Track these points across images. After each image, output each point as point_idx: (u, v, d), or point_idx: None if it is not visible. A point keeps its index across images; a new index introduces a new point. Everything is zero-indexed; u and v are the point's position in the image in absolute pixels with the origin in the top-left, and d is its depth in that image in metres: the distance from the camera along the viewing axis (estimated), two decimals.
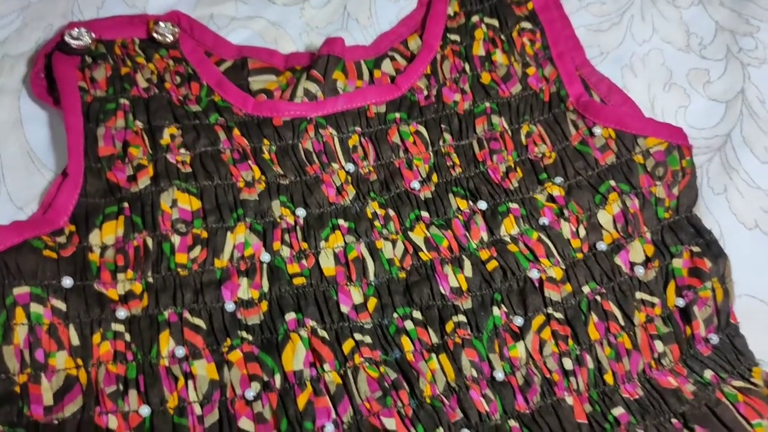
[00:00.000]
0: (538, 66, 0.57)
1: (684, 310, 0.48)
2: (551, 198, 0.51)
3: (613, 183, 0.52)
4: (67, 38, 0.50)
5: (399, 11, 0.60)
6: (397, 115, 0.54)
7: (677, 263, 0.49)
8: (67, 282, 0.43)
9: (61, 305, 0.43)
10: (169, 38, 0.53)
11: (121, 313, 0.43)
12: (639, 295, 0.48)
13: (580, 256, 0.50)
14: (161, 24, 0.53)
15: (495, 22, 0.58)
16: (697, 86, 0.59)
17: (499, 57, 0.57)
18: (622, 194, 0.51)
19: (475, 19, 0.58)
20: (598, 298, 0.48)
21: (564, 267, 0.49)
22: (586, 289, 0.48)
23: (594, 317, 0.47)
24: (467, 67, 0.56)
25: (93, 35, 0.51)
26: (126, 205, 0.47)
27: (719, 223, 0.52)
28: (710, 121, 0.57)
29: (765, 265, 0.51)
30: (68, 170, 0.46)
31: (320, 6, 0.60)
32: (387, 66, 0.57)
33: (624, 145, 0.53)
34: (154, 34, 0.53)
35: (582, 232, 0.50)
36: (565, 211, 0.51)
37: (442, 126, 0.54)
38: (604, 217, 0.51)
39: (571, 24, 0.59)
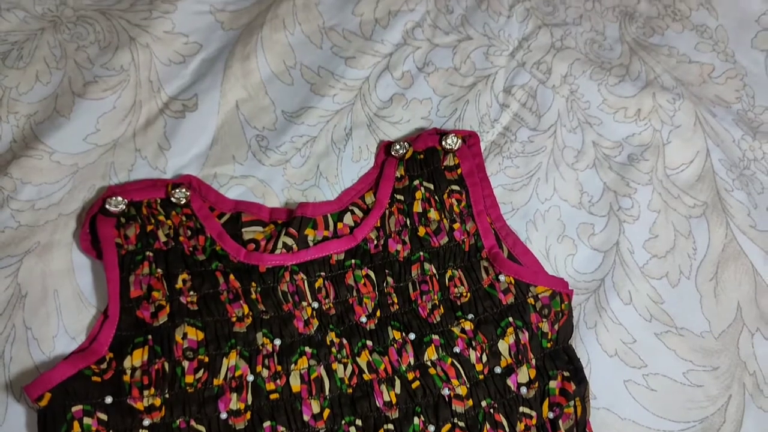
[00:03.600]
0: (462, 222, 0.75)
1: (553, 421, 0.66)
2: (464, 330, 0.69)
3: (511, 319, 0.70)
4: (107, 205, 0.68)
5: (359, 170, 0.78)
6: (353, 261, 0.72)
7: (552, 384, 0.67)
8: (108, 399, 0.61)
9: (104, 417, 0.60)
10: (183, 200, 0.71)
11: (146, 422, 0.61)
12: (522, 409, 0.66)
13: (481, 377, 0.67)
14: (177, 189, 0.71)
15: (431, 186, 0.76)
16: (584, 238, 0.77)
17: (432, 214, 0.75)
18: (516, 329, 0.69)
19: (416, 182, 0.76)
20: (492, 411, 0.66)
21: (468, 386, 0.67)
22: (483, 403, 0.66)
23: (487, 425, 0.65)
24: (408, 222, 0.74)
25: (126, 201, 0.69)
26: (150, 336, 0.64)
27: (588, 352, 0.70)
28: (590, 267, 0.75)
29: (620, 385, 0.69)
30: (108, 312, 0.64)
31: (298, 166, 0.77)
32: (348, 219, 0.74)
33: (520, 290, 0.71)
34: (172, 198, 0.71)
35: (485, 358, 0.68)
36: (473, 342, 0.69)
37: (386, 271, 0.71)
38: (503, 345, 0.69)
39: (491, 185, 0.77)
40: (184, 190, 0.71)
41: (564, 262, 0.75)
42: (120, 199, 0.69)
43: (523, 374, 0.68)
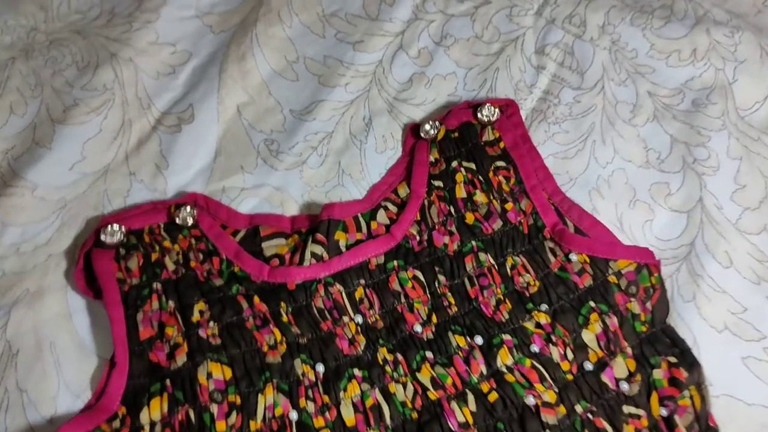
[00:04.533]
0: (514, 201, 0.64)
1: (667, 419, 0.54)
2: (539, 325, 0.58)
3: (592, 304, 0.58)
4: (102, 237, 0.58)
5: (387, 161, 0.68)
6: (395, 263, 0.61)
7: (657, 374, 0.55)
8: None
9: None
10: (190, 221, 0.61)
11: None
12: (626, 409, 0.54)
13: (570, 377, 0.56)
14: (182, 209, 0.61)
15: (472, 165, 0.65)
16: (660, 199, 0.65)
17: (479, 197, 0.64)
18: (601, 314, 0.58)
19: (454, 164, 0.65)
20: (590, 416, 0.54)
21: (557, 390, 0.55)
22: (578, 408, 0.54)
23: None
24: (452, 210, 0.63)
25: (124, 229, 0.59)
26: (168, 382, 0.53)
27: (692, 330, 0.58)
28: (674, 232, 0.64)
29: (737, 364, 0.57)
30: (115, 359, 0.54)
31: (317, 166, 0.67)
32: (381, 216, 0.64)
33: (598, 269, 0.60)
34: (177, 220, 0.61)
35: (569, 354, 0.57)
36: (553, 336, 0.57)
37: (436, 268, 0.61)
38: (588, 336, 0.57)
39: (540, 155, 0.67)
40: (189, 209, 0.61)
41: (642, 230, 0.64)
42: (117, 227, 0.59)
43: (620, 367, 0.56)
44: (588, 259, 0.60)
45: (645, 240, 0.63)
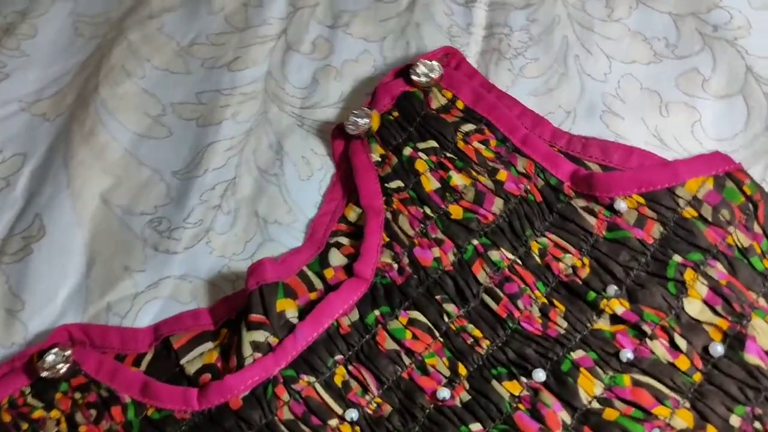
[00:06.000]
0: (506, 165, 0.44)
1: None
2: (616, 318, 0.37)
3: (678, 258, 0.38)
4: None
5: (318, 186, 0.48)
6: (377, 312, 0.40)
7: None
8: None
9: None
10: (63, 369, 0.40)
11: None
12: None
13: (698, 377, 0.35)
14: (46, 356, 0.40)
15: (432, 143, 0.46)
16: (696, 91, 0.46)
17: (457, 179, 0.44)
18: (698, 267, 0.38)
19: (407, 151, 0.46)
20: (758, 425, 0.33)
21: (688, 404, 0.34)
22: (734, 420, 0.33)
23: None
24: (428, 210, 0.43)
25: None
26: None
27: None
28: (736, 122, 0.45)
29: None
30: None
31: (227, 228, 0.47)
32: (336, 258, 0.44)
33: (663, 206, 0.40)
34: (43, 374, 0.40)
35: (681, 342, 0.36)
36: (644, 326, 0.37)
37: (437, 297, 0.40)
38: (694, 306, 0.37)
39: (517, 100, 0.48)
40: (58, 351, 0.41)
41: (693, 137, 0.45)
42: None
43: (765, 332, 0.35)
44: (642, 200, 0.40)
45: (702, 147, 0.44)
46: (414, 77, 0.48)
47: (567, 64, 0.50)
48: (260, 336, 0.40)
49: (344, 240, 0.44)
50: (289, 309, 0.41)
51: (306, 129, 0.52)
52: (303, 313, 0.41)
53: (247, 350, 0.39)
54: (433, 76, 0.48)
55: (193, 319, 0.43)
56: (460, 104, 0.48)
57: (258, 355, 0.39)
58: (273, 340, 0.40)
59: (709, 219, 0.39)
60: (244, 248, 0.47)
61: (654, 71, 0.48)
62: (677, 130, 0.45)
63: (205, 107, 0.54)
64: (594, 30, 0.51)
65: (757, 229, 0.39)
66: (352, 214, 0.45)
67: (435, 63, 0.48)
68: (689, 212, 0.39)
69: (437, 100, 0.48)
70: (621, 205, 0.40)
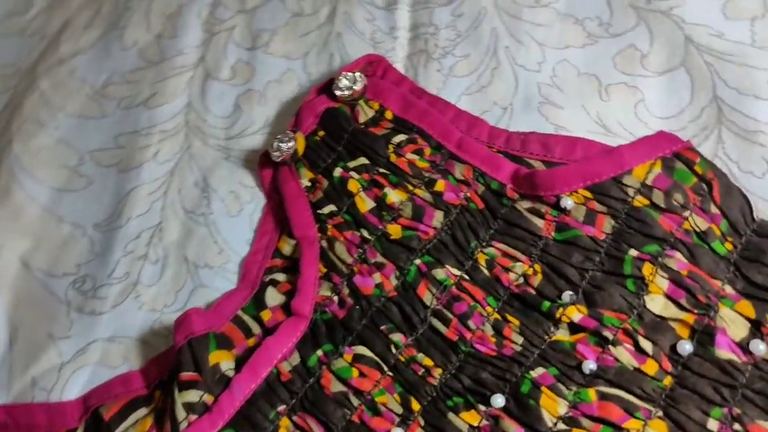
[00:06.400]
0: (444, 174, 0.41)
1: None
2: (575, 327, 0.34)
3: (634, 253, 0.35)
4: None
5: (249, 221, 0.45)
6: (320, 353, 0.37)
7: None
8: None
9: None
10: None
11: None
12: None
13: (668, 381, 0.32)
14: None
15: (363, 160, 0.42)
16: (636, 69, 0.43)
17: (393, 196, 0.41)
18: (655, 260, 0.35)
19: (337, 172, 0.42)
20: (738, 427, 0.30)
21: (661, 413, 0.31)
22: (712, 424, 0.30)
23: None
24: (365, 234, 0.40)
25: None
26: None
27: None
28: (682, 97, 0.42)
29: None
30: None
31: (156, 279, 0.43)
32: (272, 297, 0.40)
33: (612, 198, 0.37)
34: None
35: (647, 345, 0.33)
36: (606, 332, 0.33)
37: (383, 328, 0.37)
38: (656, 302, 0.34)
39: (448, 102, 0.45)
40: None
41: (638, 118, 0.42)
42: None
43: (734, 323, 0.33)
44: (590, 194, 0.37)
45: (649, 128, 0.41)
46: (337, 92, 0.45)
47: (498, 58, 0.47)
48: (194, 396, 0.36)
49: (280, 276, 0.41)
50: (224, 361, 0.38)
51: (232, 161, 0.48)
52: (241, 363, 0.37)
53: (180, 413, 0.36)
54: (356, 88, 0.45)
55: (123, 385, 0.40)
56: (389, 114, 0.44)
57: (193, 417, 0.36)
58: (208, 398, 0.36)
59: (662, 205, 0.36)
60: (176, 298, 0.43)
61: (590, 54, 0.45)
62: (620, 113, 0.42)
63: (124, 151, 0.51)
64: (522, 18, 0.48)
65: (714, 210, 0.36)
66: (287, 246, 0.42)
67: (357, 74, 0.45)
68: (640, 201, 0.36)
69: (364, 113, 0.45)
70: (567, 202, 0.37)
